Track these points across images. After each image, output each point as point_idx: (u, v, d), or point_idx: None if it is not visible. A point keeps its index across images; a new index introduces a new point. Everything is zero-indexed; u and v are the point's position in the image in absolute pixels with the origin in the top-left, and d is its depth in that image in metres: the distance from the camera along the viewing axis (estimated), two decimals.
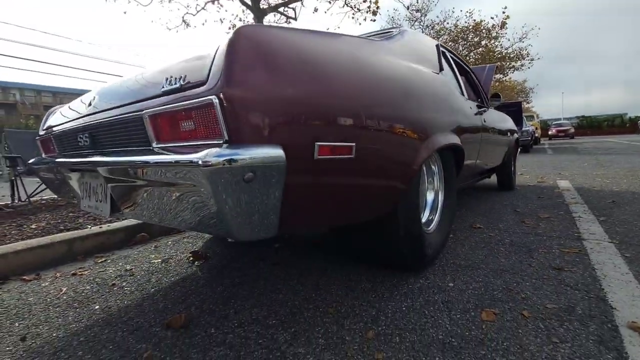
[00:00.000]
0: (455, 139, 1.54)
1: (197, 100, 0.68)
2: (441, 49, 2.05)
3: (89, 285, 1.56)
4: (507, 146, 3.15)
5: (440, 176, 1.63)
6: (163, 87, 0.78)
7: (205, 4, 8.32)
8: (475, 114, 2.09)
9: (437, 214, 1.60)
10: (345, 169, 0.91)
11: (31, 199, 3.36)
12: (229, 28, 8.84)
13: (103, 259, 1.93)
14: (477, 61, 14.67)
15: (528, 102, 31.74)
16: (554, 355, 0.89)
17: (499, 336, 0.99)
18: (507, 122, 3.20)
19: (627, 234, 1.87)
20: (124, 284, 1.56)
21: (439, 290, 1.30)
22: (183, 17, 8.66)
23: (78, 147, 1.16)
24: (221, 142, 0.67)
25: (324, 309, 1.21)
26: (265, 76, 0.72)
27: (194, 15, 8.58)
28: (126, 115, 0.89)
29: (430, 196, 1.62)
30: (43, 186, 3.55)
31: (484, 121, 2.19)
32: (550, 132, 23.72)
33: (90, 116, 1.08)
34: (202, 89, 0.70)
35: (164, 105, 0.76)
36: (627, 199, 2.81)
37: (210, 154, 0.62)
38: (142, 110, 0.82)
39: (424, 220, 1.57)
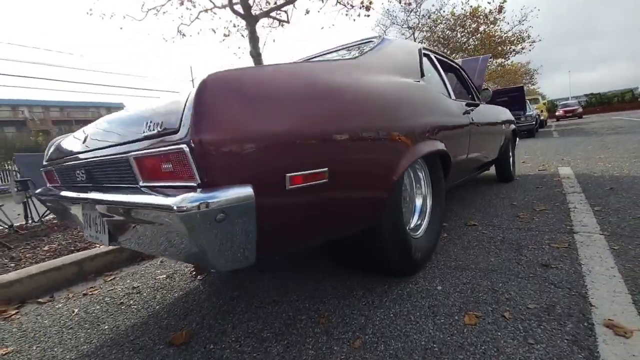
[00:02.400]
0: (438, 145, 1.58)
1: (171, 147, 0.75)
2: (424, 51, 2.08)
3: (99, 305, 1.66)
4: (502, 139, 3.16)
5: (427, 182, 1.67)
6: (144, 132, 0.85)
7: (199, 13, 8.41)
8: (464, 113, 2.12)
9: (426, 219, 1.65)
10: (320, 192, 0.96)
11: (43, 219, 3.50)
12: (224, 35, 8.92)
13: (112, 277, 2.03)
14: (477, 47, 14.48)
15: (533, 84, 31.14)
16: (528, 357, 0.94)
17: (478, 340, 1.05)
18: (501, 115, 3.20)
19: (620, 224, 1.89)
20: (131, 302, 1.65)
21: (427, 295, 1.35)
22: (178, 28, 8.77)
23: (77, 180, 1.24)
24: (195, 185, 0.73)
25: (316, 319, 1.28)
26: (232, 120, 0.78)
27: (188, 25, 8.69)
28: (115, 156, 0.97)
29: (418, 202, 1.67)
30: None
31: (472, 119, 2.21)
32: (557, 114, 23.32)
33: (84, 154, 1.16)
34: (175, 137, 0.76)
35: (145, 150, 0.83)
36: (625, 184, 2.81)
37: (181, 200, 0.68)
38: (128, 153, 0.89)
39: (412, 225, 1.62)
